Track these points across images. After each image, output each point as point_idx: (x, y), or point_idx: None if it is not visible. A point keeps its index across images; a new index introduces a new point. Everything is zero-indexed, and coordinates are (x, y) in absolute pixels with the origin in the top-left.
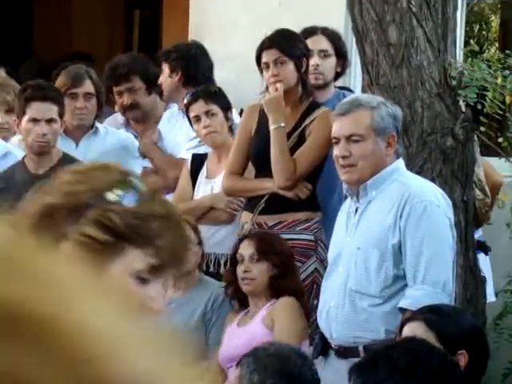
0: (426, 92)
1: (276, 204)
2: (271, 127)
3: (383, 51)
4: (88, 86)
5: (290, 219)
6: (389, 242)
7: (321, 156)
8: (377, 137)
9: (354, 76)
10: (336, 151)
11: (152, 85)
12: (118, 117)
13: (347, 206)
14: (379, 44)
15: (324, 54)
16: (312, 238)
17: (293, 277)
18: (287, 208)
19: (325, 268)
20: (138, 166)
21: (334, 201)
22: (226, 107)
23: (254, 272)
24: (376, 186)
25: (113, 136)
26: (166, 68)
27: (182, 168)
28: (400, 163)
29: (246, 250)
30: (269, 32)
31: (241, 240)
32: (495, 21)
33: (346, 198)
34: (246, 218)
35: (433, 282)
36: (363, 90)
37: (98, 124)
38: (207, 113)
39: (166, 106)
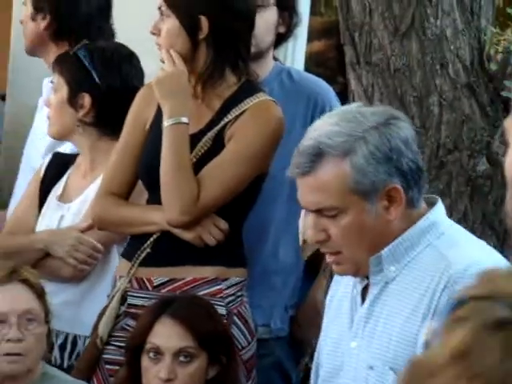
0: (447, 80)
1: (168, 250)
2: (165, 123)
3: (381, 9)
4: None
5: (188, 277)
6: None
7: (247, 176)
8: (364, 201)
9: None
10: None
11: None
12: None
13: (345, 282)
14: None
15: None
16: (223, 310)
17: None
18: (185, 259)
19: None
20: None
21: (264, 253)
22: None
23: (180, 377)
24: (397, 259)
25: None
26: (27, 2)
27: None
28: (432, 216)
29: (169, 339)
30: None
31: (155, 318)
32: None
33: None
34: (122, 270)
35: None
36: (343, 73)
37: None
38: None
39: None
